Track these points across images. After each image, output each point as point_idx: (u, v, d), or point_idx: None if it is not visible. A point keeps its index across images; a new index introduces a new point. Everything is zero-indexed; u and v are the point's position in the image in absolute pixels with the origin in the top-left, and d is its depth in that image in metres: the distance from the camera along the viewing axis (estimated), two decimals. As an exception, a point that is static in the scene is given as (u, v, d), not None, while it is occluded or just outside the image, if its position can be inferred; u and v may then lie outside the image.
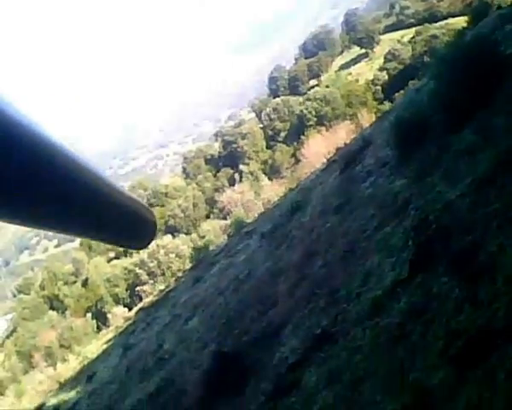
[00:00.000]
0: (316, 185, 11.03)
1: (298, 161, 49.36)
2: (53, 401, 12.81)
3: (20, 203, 0.58)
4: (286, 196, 13.94)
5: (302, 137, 55.22)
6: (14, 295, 76.77)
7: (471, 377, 2.68)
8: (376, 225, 6.33)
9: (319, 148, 35.74)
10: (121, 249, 70.24)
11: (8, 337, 61.59)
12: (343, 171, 9.74)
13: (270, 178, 60.32)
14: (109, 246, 71.72)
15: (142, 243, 0.99)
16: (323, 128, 49.94)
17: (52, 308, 61.14)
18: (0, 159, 0.53)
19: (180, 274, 21.14)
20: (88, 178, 0.72)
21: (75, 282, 64.63)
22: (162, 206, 70.49)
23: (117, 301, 43.74)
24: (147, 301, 19.89)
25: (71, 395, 12.05)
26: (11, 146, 0.55)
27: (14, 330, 59.82)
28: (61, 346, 37.93)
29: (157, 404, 7.13)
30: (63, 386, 13.99)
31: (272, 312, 6.74)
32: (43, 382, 17.67)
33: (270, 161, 66.16)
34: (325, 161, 13.06)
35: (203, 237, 40.41)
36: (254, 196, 51.23)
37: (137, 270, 43.62)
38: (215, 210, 61.42)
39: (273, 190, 39.45)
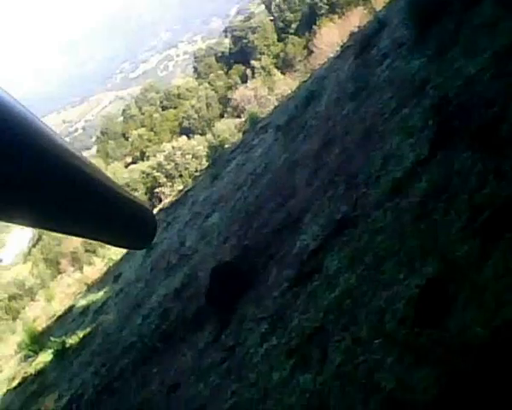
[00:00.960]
0: (330, 73, 10.68)
1: (311, 52, 47.90)
2: (82, 302, 13.29)
3: (20, 204, 0.57)
4: (300, 87, 13.56)
5: (314, 27, 53.23)
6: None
7: (497, 248, 2.63)
8: (394, 107, 6.13)
9: (332, 37, 34.55)
10: (138, 154, 70.70)
11: (34, 246, 63.52)
12: (358, 56, 9.36)
13: (282, 73, 58.93)
14: (126, 150, 72.33)
15: (142, 243, 0.97)
16: (336, 16, 48.02)
17: (75, 215, 62.47)
18: (1, 160, 0.52)
19: (197, 174, 21.19)
20: (88, 178, 0.71)
21: (95, 188, 65.58)
22: (175, 108, 69.91)
23: (137, 204, 44.44)
24: (166, 202, 20.06)
25: (99, 295, 12.46)
26: (13, 147, 0.54)
27: (39, 239, 61.55)
28: (86, 251, 39.08)
29: (182, 298, 7.31)
30: (91, 288, 14.46)
31: (291, 202, 6.72)
32: (71, 285, 18.29)
33: (282, 55, 64.28)
34: (339, 48, 12.57)
35: (218, 136, 40.12)
36: (268, 92, 50.35)
37: (155, 173, 43.91)
38: (229, 109, 60.72)
39: (286, 85, 38.66)
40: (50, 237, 55.93)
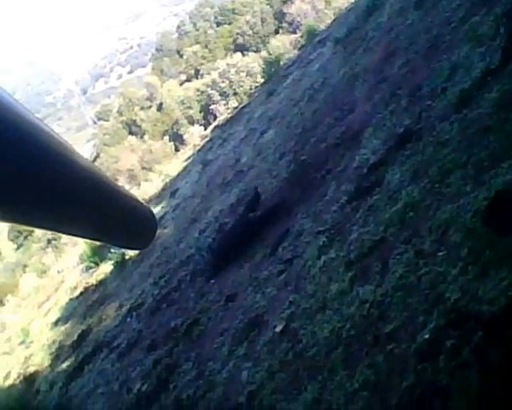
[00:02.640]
0: (394, -19, 10.06)
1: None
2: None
3: (20, 204, 0.56)
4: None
5: None
6: (95, 122, 79.91)
7: None
8: (463, 15, 5.74)
9: None
10: (192, 72, 70.27)
11: (93, 162, 65.18)
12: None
13: (341, -15, 56.22)
14: (181, 68, 72.04)
15: (142, 243, 0.97)
16: None
17: (131, 133, 63.25)
18: (2, 160, 0.52)
19: (252, 91, 20.88)
20: (88, 178, 0.69)
21: (150, 106, 65.96)
22: (230, 24, 68.29)
23: (192, 122, 44.49)
24: (221, 119, 19.96)
25: (156, 209, 12.70)
26: (13, 147, 0.53)
27: (97, 156, 62.95)
28: (143, 168, 39.80)
29: (237, 213, 7.31)
30: (148, 202, 14.74)
31: (350, 117, 6.53)
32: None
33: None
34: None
35: (273, 53, 39.09)
36: (325, 6, 48.29)
37: (209, 91, 43.49)
38: (284, 24, 58.76)
39: (345, -2, 36.87)
40: (108, 154, 57.25)
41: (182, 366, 4.86)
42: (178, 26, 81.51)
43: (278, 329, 3.81)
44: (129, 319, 7.80)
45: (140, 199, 0.95)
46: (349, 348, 3.02)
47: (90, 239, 0.83)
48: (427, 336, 2.54)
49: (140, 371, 5.67)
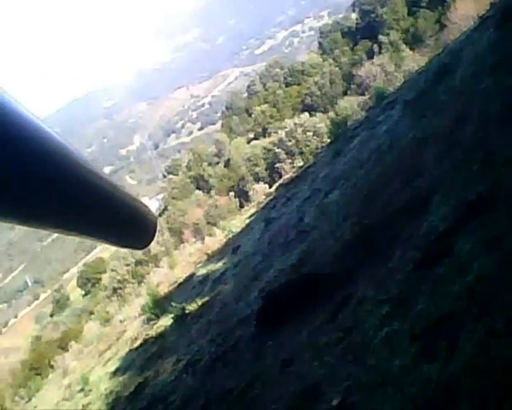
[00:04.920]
0: (466, 46, 9.92)
1: (443, 26, 45.33)
2: (202, 271, 13.71)
3: (18, 203, 0.56)
4: (431, 61, 12.80)
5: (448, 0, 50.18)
6: (164, 176, 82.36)
7: None
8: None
9: (468, 10, 32.38)
10: (260, 130, 71.75)
11: (160, 215, 66.97)
12: (499, 27, 8.58)
13: (411, 48, 56.29)
14: (249, 126, 73.72)
15: (142, 244, 0.95)
16: (473, -13, 44.86)
17: (198, 188, 64.90)
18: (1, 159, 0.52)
19: (318, 151, 20.96)
20: (87, 177, 0.70)
21: (218, 163, 67.62)
22: (299, 84, 69.73)
23: (257, 179, 45.12)
24: (286, 177, 20.08)
25: (218, 265, 12.76)
26: (9, 145, 0.53)
27: (165, 209, 64.75)
28: (208, 223, 40.46)
29: (300, 274, 7.19)
30: (210, 258, 14.87)
31: (418, 182, 6.33)
32: (192, 254, 19.00)
33: (411, 30, 61.37)
34: (477, 18, 11.66)
35: (341, 114, 39.43)
36: (395, 68, 48.51)
37: (276, 149, 44.21)
38: (352, 86, 59.37)
39: (415, 61, 36.95)
40: (175, 207, 58.70)
41: (233, 432, 4.69)
42: (248, 86, 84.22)
43: (335, 403, 3.60)
44: (185, 375, 7.73)
45: (146, 205, 0.94)
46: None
47: (89, 239, 0.79)
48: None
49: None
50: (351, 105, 44.87)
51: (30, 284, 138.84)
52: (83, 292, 71.73)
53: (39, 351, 34.90)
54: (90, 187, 0.71)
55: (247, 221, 15.72)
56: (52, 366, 23.75)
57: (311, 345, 4.88)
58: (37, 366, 30.07)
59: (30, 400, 20.05)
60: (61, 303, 79.66)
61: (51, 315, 78.68)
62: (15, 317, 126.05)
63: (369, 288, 4.89)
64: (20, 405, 20.73)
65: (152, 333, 11.89)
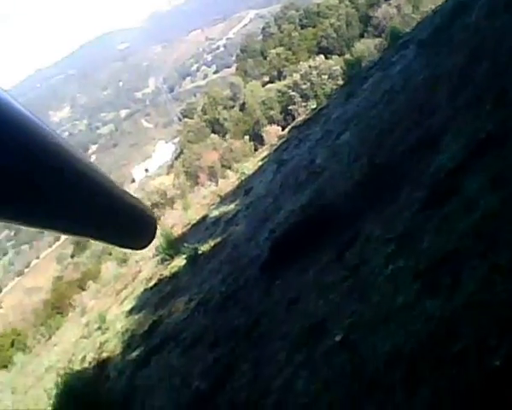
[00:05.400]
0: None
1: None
2: (215, 213, 13.76)
3: (13, 203, 0.55)
4: (447, 0, 12.35)
5: None
6: (180, 120, 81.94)
7: None
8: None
9: None
10: (275, 73, 70.67)
11: (176, 159, 67.01)
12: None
13: (433, -12, 54.38)
14: (264, 69, 72.65)
15: (142, 244, 0.96)
16: None
17: (213, 131, 64.62)
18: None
19: (332, 93, 20.60)
20: (86, 176, 0.69)
21: (233, 106, 67.04)
22: (314, 26, 68.08)
23: (271, 122, 44.72)
24: (299, 119, 19.84)
25: (230, 207, 12.79)
26: (9, 144, 0.52)
27: (181, 152, 64.74)
28: (223, 166, 40.45)
29: (310, 214, 7.18)
30: (223, 200, 14.90)
31: (430, 121, 6.20)
32: (206, 196, 19.04)
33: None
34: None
35: (356, 56, 38.54)
36: (412, 10, 47.04)
37: (291, 92, 43.61)
38: (369, 28, 57.84)
39: (434, 2, 35.69)
40: (191, 151, 58.63)
41: (240, 367, 4.78)
42: (263, 28, 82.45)
43: (338, 338, 3.64)
44: (196, 314, 7.87)
45: (144, 199, 0.89)
46: (411, 368, 2.80)
47: (89, 239, 0.78)
48: (497, 363, 2.29)
49: (200, 369, 5.66)
50: (367, 47, 43.81)
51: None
52: (102, 234, 72.72)
53: (60, 291, 35.80)
54: (88, 186, 0.70)
55: (260, 163, 15.65)
56: (72, 306, 24.38)
57: (317, 283, 4.91)
58: (58, 306, 30.90)
59: (50, 338, 20.69)
60: (81, 244, 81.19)
61: (72, 256, 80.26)
62: (37, 258, 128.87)
63: (376, 227, 4.86)
64: (41, 342, 21.40)
65: (166, 273, 12.05)
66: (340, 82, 23.07)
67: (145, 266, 15.69)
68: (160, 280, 11.99)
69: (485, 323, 2.61)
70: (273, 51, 69.99)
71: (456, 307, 2.83)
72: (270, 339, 4.77)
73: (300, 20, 72.58)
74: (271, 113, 49.44)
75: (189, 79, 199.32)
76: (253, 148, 43.09)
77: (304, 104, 35.91)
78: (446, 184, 4.25)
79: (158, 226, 0.99)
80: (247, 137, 50.76)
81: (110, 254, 33.07)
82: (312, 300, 4.66)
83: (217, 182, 23.47)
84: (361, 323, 3.61)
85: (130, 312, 11.79)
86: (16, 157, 0.53)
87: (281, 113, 46.87)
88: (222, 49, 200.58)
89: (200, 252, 10.90)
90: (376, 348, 3.16)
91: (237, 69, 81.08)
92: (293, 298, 5.14)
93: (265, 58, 73.25)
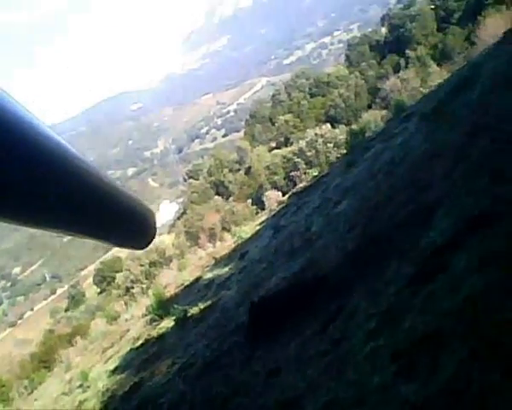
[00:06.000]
0: (488, 60, 9.68)
1: (472, 44, 44.71)
2: (208, 275, 13.64)
3: (16, 204, 0.55)
4: (452, 75, 12.56)
5: (479, 17, 49.54)
6: (185, 180, 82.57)
7: None
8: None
9: (498, 28, 31.88)
10: (282, 140, 71.58)
11: (179, 218, 67.05)
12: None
13: (439, 64, 55.56)
14: (272, 135, 73.69)
15: (142, 244, 0.96)
16: (504, 7, 44.26)
17: (218, 193, 64.91)
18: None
19: (334, 162, 20.77)
20: (86, 176, 0.69)
21: (239, 170, 67.58)
22: (323, 95, 69.42)
23: (274, 187, 44.92)
24: (300, 186, 19.93)
25: (224, 270, 12.67)
26: (7, 145, 0.52)
27: (184, 213, 64.86)
28: (223, 228, 40.33)
29: (300, 282, 7.04)
30: (218, 262, 14.79)
31: (425, 195, 6.12)
32: (202, 258, 18.96)
33: (440, 46, 60.62)
34: (501, 33, 11.39)
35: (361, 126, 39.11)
36: (420, 84, 47.99)
37: (296, 159, 44.01)
38: (377, 99, 58.93)
39: (441, 77, 36.45)
40: (194, 212, 58.72)
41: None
42: (273, 95, 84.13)
43: (310, 418, 3.41)
44: (177, 379, 7.60)
45: (145, 203, 0.93)
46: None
47: (88, 238, 0.76)
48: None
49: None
50: (374, 118, 44.46)
51: (48, 278, 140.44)
52: (98, 290, 72.23)
53: (49, 345, 35.08)
54: (89, 187, 0.70)
55: (258, 228, 15.61)
56: (59, 361, 23.88)
57: (298, 356, 4.71)
58: (45, 359, 30.18)
59: (32, 392, 20.14)
60: (76, 299, 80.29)
61: (66, 310, 79.31)
62: (31, 310, 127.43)
63: (362, 299, 4.69)
64: (22, 396, 20.81)
65: (153, 334, 11.82)
66: (344, 151, 23.30)
67: (134, 325, 15.41)
68: (146, 341, 11.74)
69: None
70: (282, 118, 71.14)
71: (431, 394, 2.64)
72: (244, 412, 4.53)
73: (310, 88, 74.12)
74: (275, 178, 49.77)
75: (197, 141, 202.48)
76: (254, 211, 43.15)
77: (307, 171, 36.11)
78: (434, 260, 4.10)
79: (156, 227, 0.97)
80: (249, 201, 50.93)
81: (104, 310, 32.63)
82: (291, 373, 4.45)
83: (215, 244, 23.40)
84: (335, 402, 3.39)
85: (114, 371, 11.48)
86: (16, 157, 0.53)
87: (284, 178, 47.16)
88: (232, 113, 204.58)
89: (189, 314, 10.71)
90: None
91: (245, 134, 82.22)
92: (273, 369, 4.92)
93: (274, 124, 74.42)
